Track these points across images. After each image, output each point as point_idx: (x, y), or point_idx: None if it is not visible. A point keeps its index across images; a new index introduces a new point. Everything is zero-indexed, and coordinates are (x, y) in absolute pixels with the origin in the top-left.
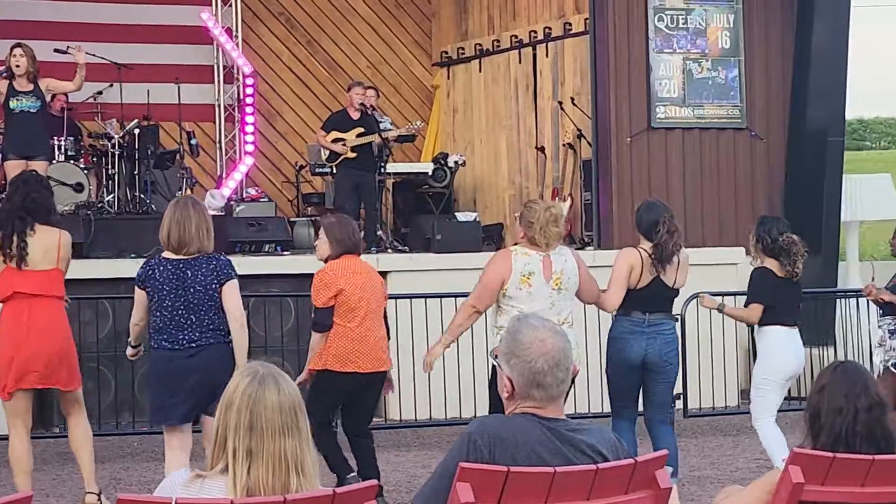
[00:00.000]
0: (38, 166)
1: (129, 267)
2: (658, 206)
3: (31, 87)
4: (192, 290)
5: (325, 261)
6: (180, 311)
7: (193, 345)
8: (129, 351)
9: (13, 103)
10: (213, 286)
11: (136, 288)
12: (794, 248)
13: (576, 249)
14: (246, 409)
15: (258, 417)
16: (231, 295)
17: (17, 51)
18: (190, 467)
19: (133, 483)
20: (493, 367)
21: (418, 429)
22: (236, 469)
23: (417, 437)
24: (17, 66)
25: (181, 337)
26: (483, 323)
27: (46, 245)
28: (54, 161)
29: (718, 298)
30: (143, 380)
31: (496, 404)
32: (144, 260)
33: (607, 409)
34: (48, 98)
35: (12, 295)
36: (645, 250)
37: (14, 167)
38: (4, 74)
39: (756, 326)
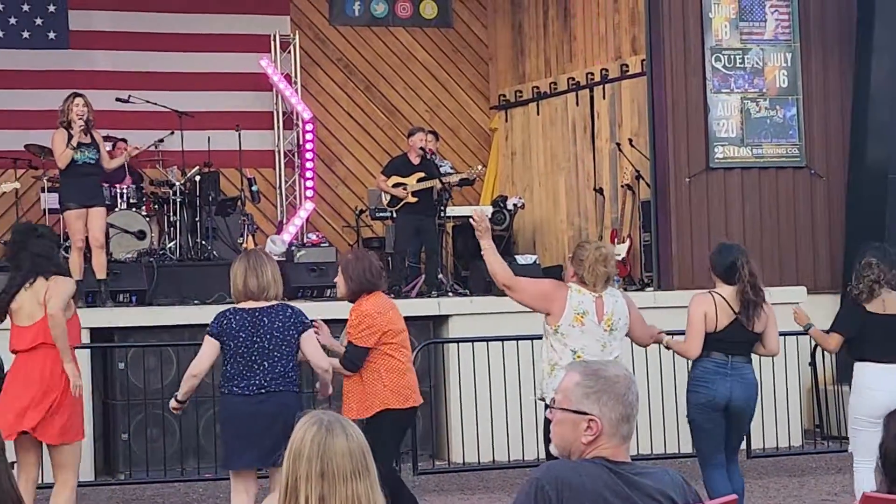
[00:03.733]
0: (98, 213)
1: (192, 313)
2: (733, 248)
3: (89, 138)
4: (267, 336)
5: (352, 300)
6: (254, 357)
7: (263, 391)
8: (173, 404)
9: (77, 155)
10: (291, 334)
11: (209, 338)
12: None
13: (636, 290)
14: (316, 458)
15: (329, 464)
16: (311, 344)
17: (80, 101)
18: None
19: None
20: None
21: (481, 472)
22: None
23: (481, 479)
24: (80, 116)
25: (252, 383)
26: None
27: (39, 297)
28: (116, 209)
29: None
30: (208, 426)
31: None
32: (218, 313)
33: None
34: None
35: (17, 352)
36: (720, 294)
37: (76, 217)
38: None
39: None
